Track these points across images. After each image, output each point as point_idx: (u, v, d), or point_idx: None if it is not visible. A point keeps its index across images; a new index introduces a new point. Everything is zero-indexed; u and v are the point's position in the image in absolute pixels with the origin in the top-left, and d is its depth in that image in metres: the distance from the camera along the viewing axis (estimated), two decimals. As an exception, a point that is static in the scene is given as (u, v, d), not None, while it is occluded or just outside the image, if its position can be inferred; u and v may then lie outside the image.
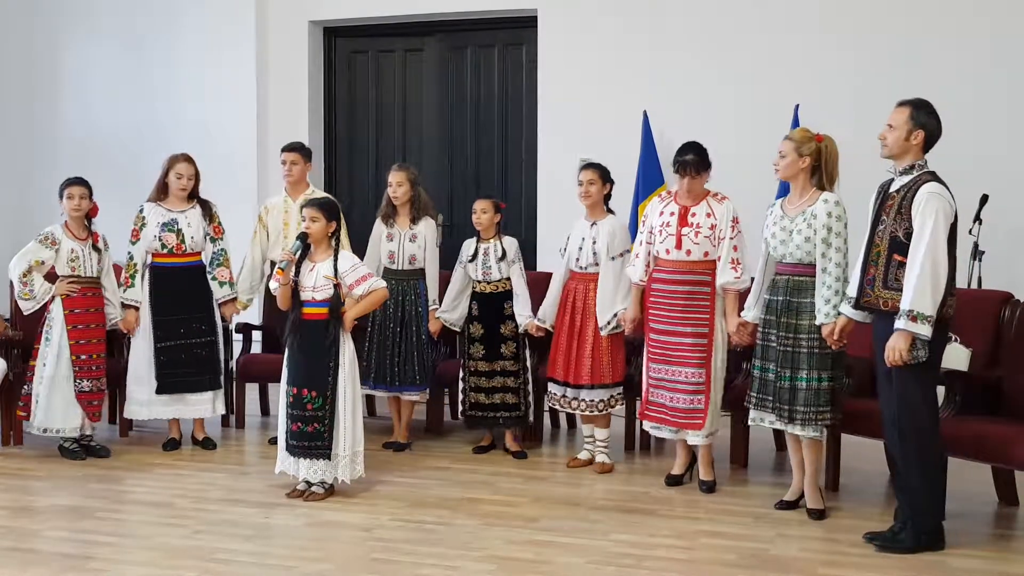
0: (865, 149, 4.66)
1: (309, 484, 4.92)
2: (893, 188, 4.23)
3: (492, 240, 5.71)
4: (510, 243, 5.73)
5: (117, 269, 5.92)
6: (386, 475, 5.31)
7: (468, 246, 5.79)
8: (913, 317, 3.99)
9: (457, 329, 5.84)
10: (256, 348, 6.66)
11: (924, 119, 4.17)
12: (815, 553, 4.19)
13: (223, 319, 5.97)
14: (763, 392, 4.73)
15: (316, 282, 4.86)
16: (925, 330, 3.99)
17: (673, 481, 5.17)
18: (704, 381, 4.96)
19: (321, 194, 5.91)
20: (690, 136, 5.11)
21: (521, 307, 5.65)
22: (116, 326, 5.83)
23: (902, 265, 4.09)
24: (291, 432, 4.88)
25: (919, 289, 3.99)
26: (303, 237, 4.91)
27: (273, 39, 8.05)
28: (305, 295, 4.88)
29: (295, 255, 4.88)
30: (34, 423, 5.61)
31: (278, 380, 5.05)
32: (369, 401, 6.88)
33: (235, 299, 5.95)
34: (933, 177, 4.13)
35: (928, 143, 4.19)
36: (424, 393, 5.94)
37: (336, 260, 4.88)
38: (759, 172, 5.27)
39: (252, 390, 6.65)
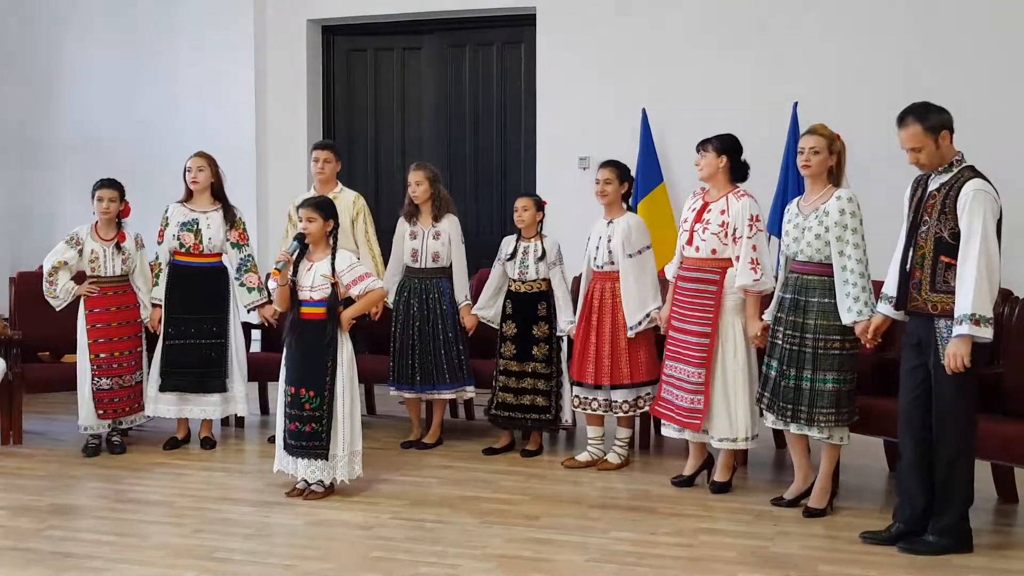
0: (864, 148, 4.66)
1: (308, 483, 4.92)
2: (933, 186, 4.09)
3: (533, 239, 5.64)
4: (552, 244, 5.61)
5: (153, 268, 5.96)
6: (386, 474, 5.31)
7: (507, 243, 5.71)
8: (976, 321, 3.87)
9: (495, 325, 5.75)
10: (255, 347, 6.66)
11: (936, 120, 4.03)
12: (815, 551, 4.19)
13: (265, 321, 5.94)
14: (765, 389, 4.71)
15: (314, 282, 4.86)
16: (988, 333, 3.89)
17: (682, 482, 5.11)
18: (703, 382, 4.90)
19: (350, 192, 5.98)
20: (689, 135, 5.11)
21: (563, 313, 5.55)
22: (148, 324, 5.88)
23: (950, 267, 3.97)
24: (289, 432, 4.88)
25: (978, 291, 3.86)
26: (300, 238, 4.91)
27: (271, 38, 8.04)
28: (303, 295, 4.88)
29: (292, 255, 4.88)
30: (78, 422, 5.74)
31: (277, 379, 5.04)
32: (369, 400, 6.88)
33: (268, 302, 5.85)
34: (975, 173, 4.02)
35: (951, 135, 4.06)
36: (458, 391, 5.86)
37: (334, 259, 4.88)
38: (758, 171, 5.25)
39: (251, 389, 6.60)
